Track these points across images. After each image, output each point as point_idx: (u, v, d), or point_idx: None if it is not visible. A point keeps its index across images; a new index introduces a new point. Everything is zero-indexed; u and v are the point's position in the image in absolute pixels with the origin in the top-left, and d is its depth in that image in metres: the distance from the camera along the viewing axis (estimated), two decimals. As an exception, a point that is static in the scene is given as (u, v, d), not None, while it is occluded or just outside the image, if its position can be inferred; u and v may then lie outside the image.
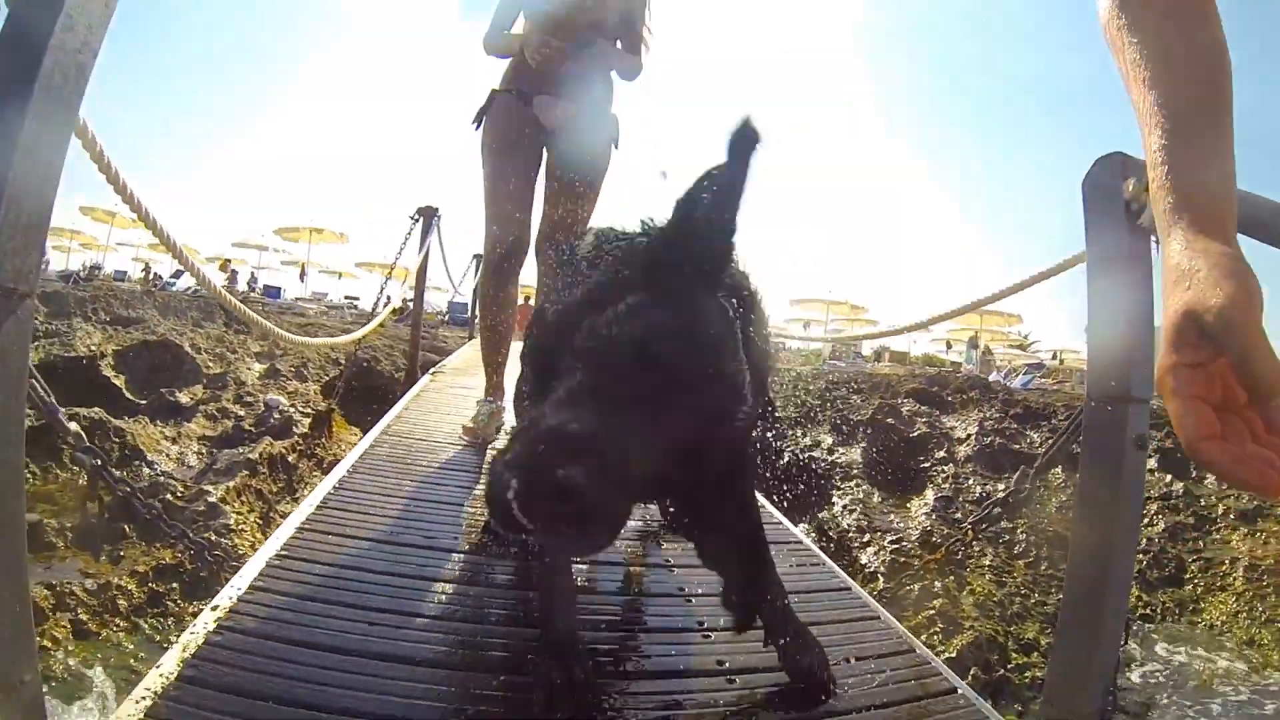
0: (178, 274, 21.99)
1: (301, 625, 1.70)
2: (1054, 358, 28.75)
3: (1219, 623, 6.12)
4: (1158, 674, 5.07)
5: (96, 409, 5.73)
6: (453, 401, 4.86)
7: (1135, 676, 4.86)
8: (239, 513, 4.74)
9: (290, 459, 5.82)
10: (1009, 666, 4.73)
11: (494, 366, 3.84)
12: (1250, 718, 4.72)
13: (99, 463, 2.11)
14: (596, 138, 3.53)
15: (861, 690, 1.77)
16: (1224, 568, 6.75)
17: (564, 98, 3.40)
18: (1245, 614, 6.19)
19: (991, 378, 15.81)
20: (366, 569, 2.04)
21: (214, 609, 1.72)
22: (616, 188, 3.71)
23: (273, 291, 26.09)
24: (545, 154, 3.57)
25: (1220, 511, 7.54)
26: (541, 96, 3.39)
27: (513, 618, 1.91)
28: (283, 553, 2.06)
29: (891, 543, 6.28)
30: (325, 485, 2.67)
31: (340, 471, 2.87)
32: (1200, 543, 7.20)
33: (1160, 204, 0.84)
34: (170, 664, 1.49)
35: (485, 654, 1.70)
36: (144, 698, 1.38)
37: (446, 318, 20.47)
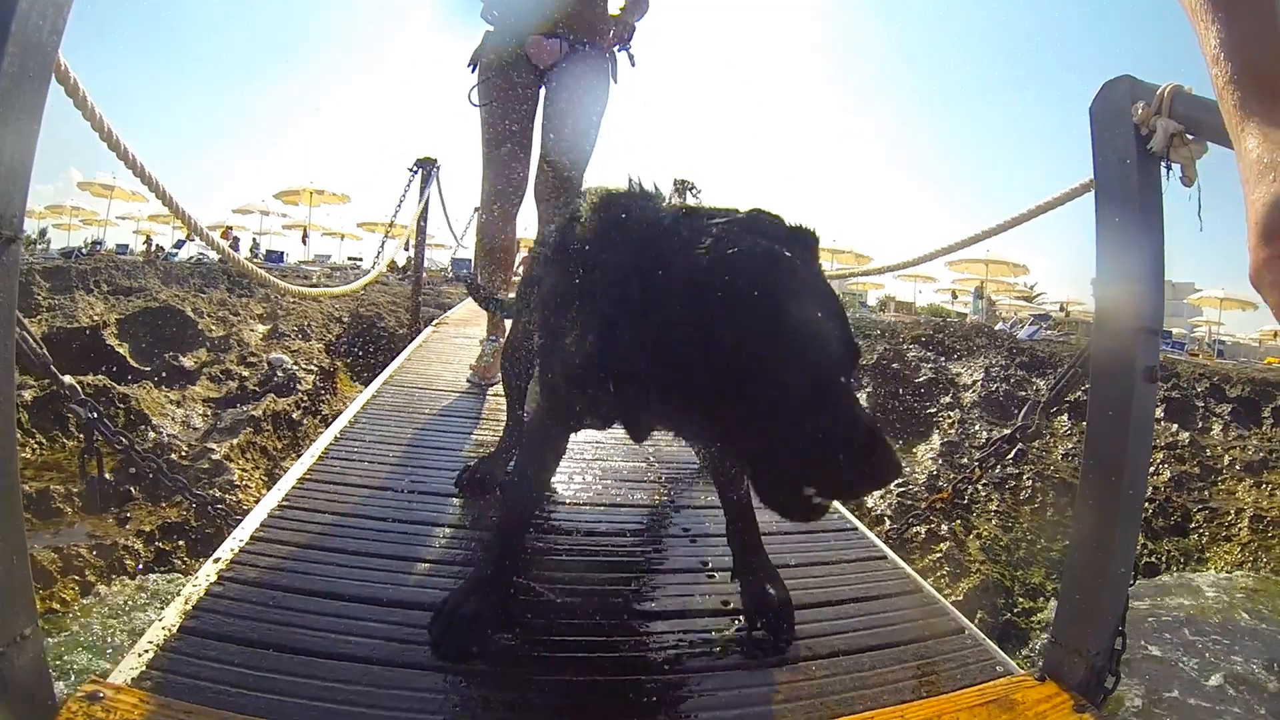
0: (180, 244, 21.91)
1: (301, 573, 1.69)
2: (1060, 309, 28.63)
3: (1224, 573, 6.14)
4: (1164, 621, 5.08)
5: (100, 376, 5.73)
6: (455, 350, 4.86)
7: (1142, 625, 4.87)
8: (243, 469, 4.77)
9: (294, 416, 5.84)
10: (1015, 611, 4.76)
11: None
12: (1255, 666, 4.74)
13: (94, 415, 2.09)
14: (593, 74, 3.41)
15: (868, 630, 1.76)
16: (1229, 518, 6.76)
17: (555, 36, 3.31)
18: (1250, 564, 6.21)
19: (997, 328, 15.81)
20: (366, 516, 2.04)
21: (215, 561, 1.72)
22: (617, 126, 3.65)
23: (275, 256, 25.78)
24: (542, 93, 3.46)
25: (1226, 462, 7.54)
26: (535, 36, 3.30)
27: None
28: (284, 503, 2.05)
29: (898, 487, 6.28)
30: (327, 436, 2.67)
31: (342, 422, 2.86)
32: (1206, 493, 7.21)
33: (1228, 101, 0.79)
34: (172, 616, 1.48)
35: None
36: (146, 650, 1.37)
37: (450, 275, 20.27)
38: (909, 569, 2.19)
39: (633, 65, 3.48)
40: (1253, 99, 0.77)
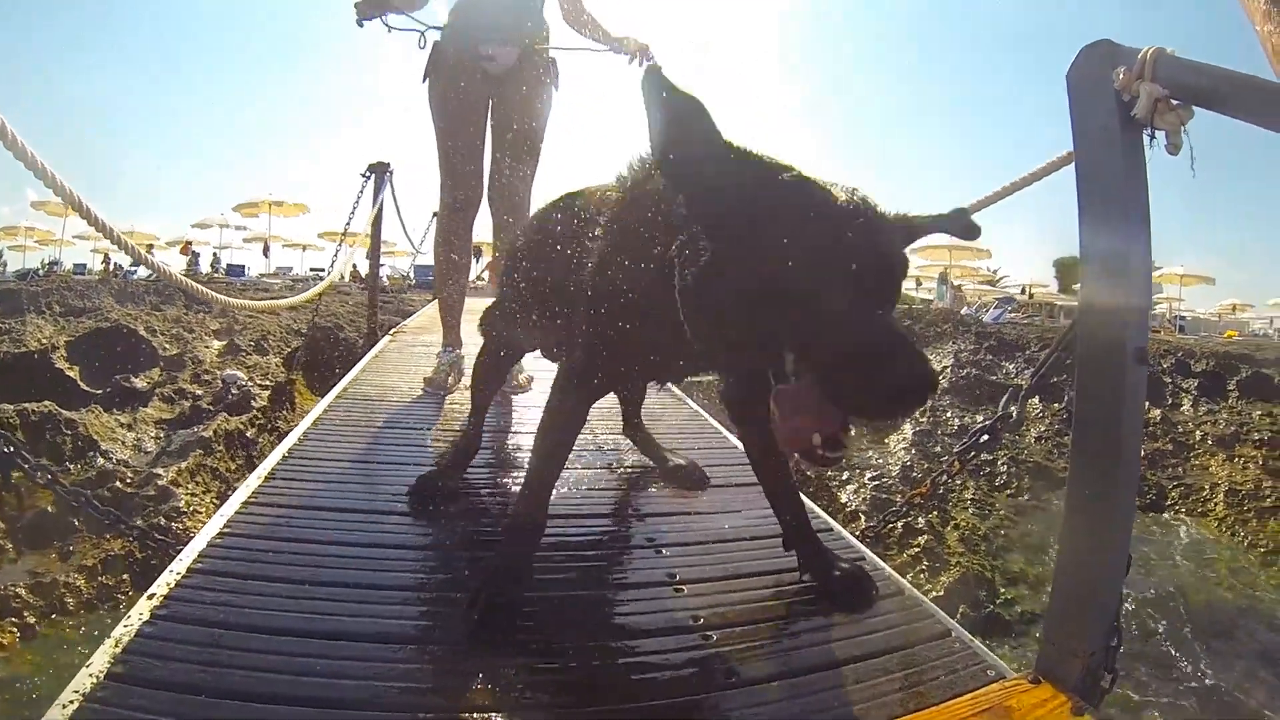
0: (138, 263, 21.53)
1: (241, 607, 1.55)
2: (1024, 292, 28.98)
3: (1202, 548, 6.15)
4: (1149, 600, 5.06)
5: (47, 402, 5.52)
6: (413, 360, 4.74)
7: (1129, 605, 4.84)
8: (192, 494, 4.56)
9: (249, 434, 5.64)
10: (998, 602, 4.70)
11: (451, 318, 3.87)
12: (1242, 641, 4.74)
13: (12, 449, 1.95)
14: (539, 81, 3.59)
15: (851, 639, 1.65)
16: (1204, 493, 6.80)
17: (508, 45, 3.45)
18: (1227, 539, 6.23)
19: (963, 313, 15.98)
20: (314, 540, 1.90)
21: (150, 597, 1.58)
22: (559, 130, 3.80)
23: (236, 270, 25.47)
24: (491, 102, 3.60)
25: (1198, 438, 7.60)
26: (486, 45, 3.44)
27: (461, 583, 1.77)
28: (226, 530, 1.91)
29: (872, 479, 6.23)
30: (274, 456, 2.52)
31: (291, 440, 2.72)
32: (1180, 469, 7.25)
33: None
34: (100, 662, 1.35)
35: (431, 626, 1.57)
36: (70, 701, 1.24)
37: (412, 282, 20.06)
38: (889, 569, 2.09)
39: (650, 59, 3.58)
40: None
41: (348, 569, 1.77)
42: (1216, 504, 6.63)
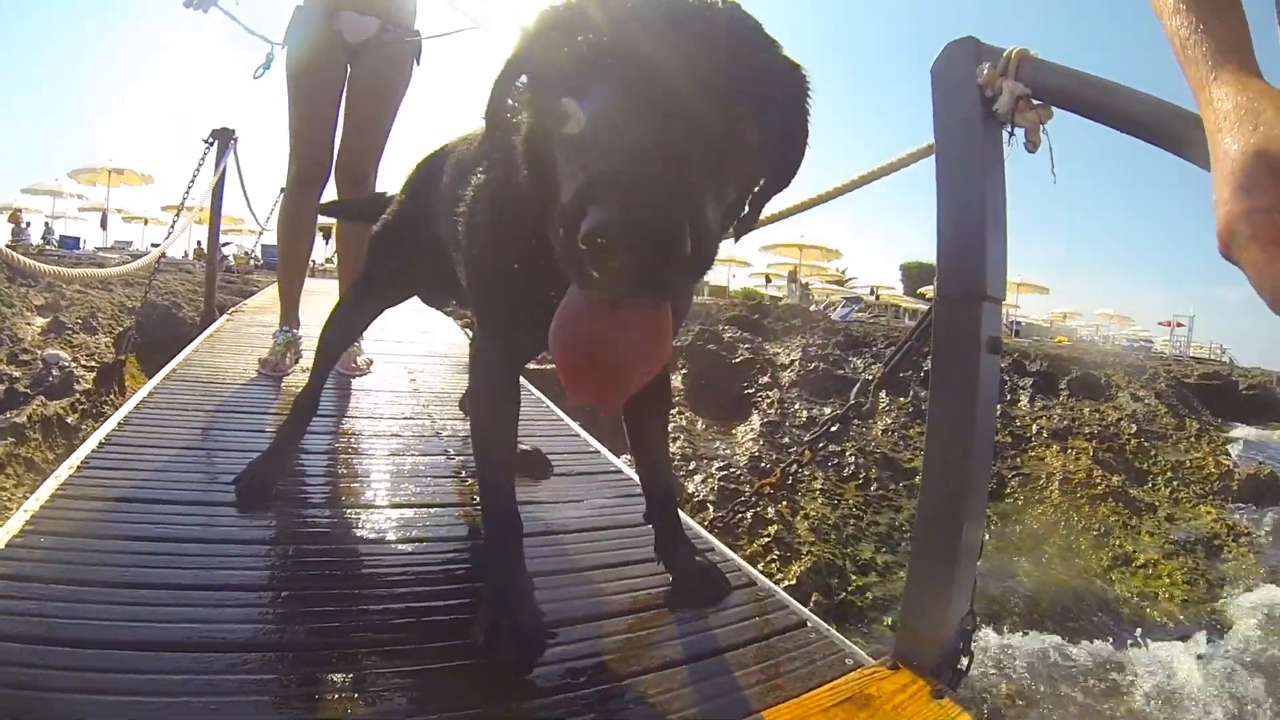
0: (-41, 231, 19.83)
1: (41, 616, 1.35)
2: (871, 293, 30.37)
3: (1040, 533, 6.53)
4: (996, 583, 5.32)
5: None
6: (249, 340, 4.50)
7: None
8: (0, 488, 4.14)
9: (70, 420, 5.16)
10: (849, 589, 4.83)
11: (291, 295, 3.72)
12: (1078, 617, 5.05)
13: None
14: (400, 55, 3.50)
15: (703, 633, 1.62)
16: (1041, 481, 7.28)
17: (369, 14, 3.36)
18: (1063, 524, 6.65)
19: (811, 309, 16.68)
20: (130, 536, 1.70)
21: (-73, 612, 1.35)
22: (414, 104, 3.74)
23: (70, 242, 23.63)
24: (348, 71, 3.47)
25: (1034, 431, 8.12)
26: (347, 13, 3.34)
27: (290, 580, 1.64)
28: (29, 528, 1.67)
29: (719, 470, 6.27)
30: (89, 443, 2.30)
31: (109, 426, 2.47)
32: (1018, 460, 7.72)
33: (1193, 50, 0.79)
34: None
35: (262, 628, 1.43)
36: None
37: (259, 262, 19.16)
38: (740, 560, 2.08)
39: None
40: (1225, 50, 0.77)
41: (169, 568, 1.59)
42: (1052, 491, 7.14)
